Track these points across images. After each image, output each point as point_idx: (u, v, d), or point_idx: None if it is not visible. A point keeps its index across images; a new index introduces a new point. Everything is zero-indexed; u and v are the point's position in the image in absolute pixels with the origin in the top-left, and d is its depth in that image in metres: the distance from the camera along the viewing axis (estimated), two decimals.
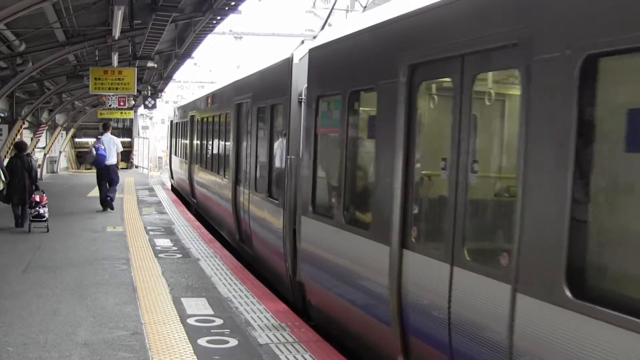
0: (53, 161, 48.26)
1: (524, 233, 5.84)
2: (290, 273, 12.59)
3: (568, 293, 5.27)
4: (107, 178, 24.57)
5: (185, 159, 29.85)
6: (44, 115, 39.88)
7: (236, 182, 17.83)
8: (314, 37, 12.88)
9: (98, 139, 25.17)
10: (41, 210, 19.48)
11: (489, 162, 7.15)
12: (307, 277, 11.37)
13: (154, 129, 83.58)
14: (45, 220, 19.45)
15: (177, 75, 49.88)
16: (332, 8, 15.68)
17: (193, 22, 23.20)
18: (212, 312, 11.06)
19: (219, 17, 22.07)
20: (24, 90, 32.56)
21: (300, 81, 12.67)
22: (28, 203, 19.83)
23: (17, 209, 20.11)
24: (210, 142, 23.30)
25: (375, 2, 12.83)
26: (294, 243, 12.22)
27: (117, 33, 19.31)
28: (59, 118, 46.63)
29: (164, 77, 40.14)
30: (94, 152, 24.53)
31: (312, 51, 11.66)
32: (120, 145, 25.56)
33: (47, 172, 44.73)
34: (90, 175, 44.50)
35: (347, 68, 10.10)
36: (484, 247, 6.93)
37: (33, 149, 35.52)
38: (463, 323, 6.75)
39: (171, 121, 40.72)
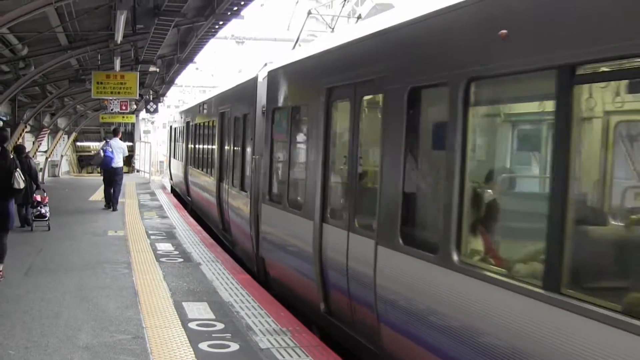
0: (55, 165, 48.30)
1: (381, 208, 8.84)
2: (254, 251, 15.27)
3: (401, 242, 8.28)
4: (113, 179, 26.10)
5: (182, 161, 32.69)
6: (46, 119, 39.91)
7: (219, 179, 20.57)
8: (271, 62, 15.22)
9: (107, 142, 26.70)
10: (43, 210, 20.49)
11: (368, 159, 9.97)
12: (266, 253, 14.07)
13: (155, 133, 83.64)
14: (47, 220, 20.51)
15: (179, 80, 49.99)
16: (300, 32, 17.93)
17: (195, 27, 23.26)
18: (213, 317, 11.08)
19: (221, 22, 22.12)
20: (26, 94, 32.60)
21: (263, 96, 15.21)
22: (30, 203, 20.45)
23: (22, 209, 20.73)
24: (201, 146, 26.15)
25: (376, 8, 13.19)
26: (257, 226, 14.77)
27: (119, 37, 19.34)
28: (61, 122, 46.67)
29: (166, 81, 40.26)
30: (102, 154, 26.22)
31: (269, 73, 14.42)
32: (126, 150, 27.54)
33: (48, 176, 44.79)
34: (92, 179, 44.65)
35: (291, 88, 13.17)
36: (365, 218, 9.48)
37: (35, 153, 35.56)
38: (354, 272, 9.62)
39: (170, 126, 43.57)
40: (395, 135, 8.49)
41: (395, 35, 8.88)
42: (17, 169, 13.75)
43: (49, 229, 20.38)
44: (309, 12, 18.87)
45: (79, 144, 63.34)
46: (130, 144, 58.45)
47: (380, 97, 9.15)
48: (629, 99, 5.76)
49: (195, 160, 27.92)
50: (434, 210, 7.91)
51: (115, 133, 27.69)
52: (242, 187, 17.11)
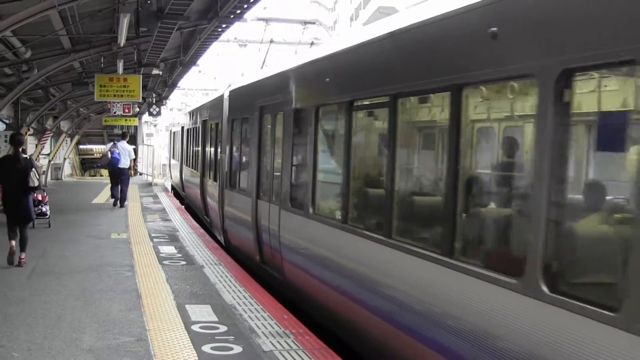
0: (57, 168, 48.34)
1: (282, 186, 13.53)
2: (222, 226, 19.82)
3: (289, 205, 12.90)
4: (119, 178, 28.43)
5: (178, 161, 37.33)
6: (49, 122, 40.00)
7: (202, 174, 25.24)
8: (234, 83, 21.02)
9: (114, 144, 29.14)
10: (43, 209, 21.86)
11: (278, 154, 14.13)
12: (227, 227, 18.98)
13: (158, 136, 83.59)
14: (47, 218, 21.90)
15: (182, 83, 50.02)
16: (265, 57, 23.95)
17: (198, 30, 23.33)
18: (216, 319, 11.10)
19: (224, 25, 22.18)
20: (29, 97, 32.65)
21: (227, 109, 20.11)
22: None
23: None
24: (191, 148, 30.49)
25: (380, 11, 13.58)
26: (223, 207, 19.67)
27: (122, 40, 19.39)
28: (64, 125, 46.74)
29: (169, 84, 40.34)
30: (109, 155, 28.68)
31: (230, 92, 20.07)
32: (133, 153, 30.30)
33: (51, 179, 44.83)
34: (95, 182, 44.69)
35: (241, 104, 18.13)
36: (275, 194, 14.13)
37: (38, 156, 35.60)
38: (273, 230, 13.89)
39: (170, 130, 48.21)
40: (287, 138, 13.37)
41: (289, 75, 13.86)
42: (33, 169, 15.39)
43: (50, 226, 21.64)
44: (271, 40, 25.68)
45: (81, 146, 63.37)
46: (133, 146, 58.57)
47: (281, 114, 13.94)
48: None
49: (187, 160, 32.29)
50: (302, 185, 12.65)
51: (123, 136, 29.99)
52: (215, 179, 21.66)
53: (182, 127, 35.43)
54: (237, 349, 9.58)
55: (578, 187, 6.29)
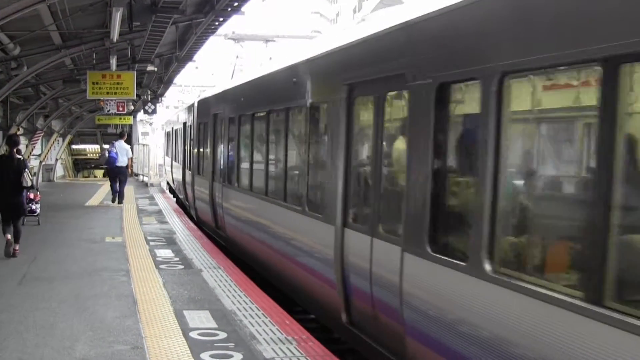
0: (49, 169, 48.30)
1: (223, 169, 20.85)
2: (193, 205, 27.25)
3: (236, 185, 18.94)
4: (117, 176, 30.98)
5: (169, 157, 42.51)
6: (40, 121, 39.95)
7: (184, 166, 31.08)
8: (203, 92, 29.38)
9: (112, 144, 31.76)
10: (33, 207, 22.87)
11: (221, 148, 21.15)
12: (197, 205, 25.82)
13: (154, 135, 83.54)
14: (36, 216, 23.00)
15: (177, 79, 50.01)
16: (233, 71, 30.21)
17: (194, 24, 23.26)
18: (215, 326, 11.07)
19: (221, 19, 22.12)
20: (18, 95, 32.64)
21: (197, 115, 27.06)
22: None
23: None
24: (178, 146, 35.54)
25: (383, 2, 13.33)
26: (193, 190, 26.75)
27: (115, 35, 19.35)
28: (55, 124, 46.72)
29: (164, 81, 40.29)
30: (107, 154, 31.32)
31: (198, 102, 27.41)
32: (130, 152, 33.88)
33: (42, 181, 44.81)
34: (88, 184, 44.68)
35: (203, 112, 24.90)
36: (222, 176, 20.68)
37: (29, 156, 35.59)
38: (224, 204, 19.92)
39: (164, 130, 52.03)
40: (227, 136, 19.79)
41: (223, 94, 21.61)
42: (26, 169, 17.12)
43: (39, 224, 22.75)
44: (237, 56, 34.72)
45: (74, 146, 63.40)
46: (128, 146, 58.53)
47: (222, 120, 21.41)
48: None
49: (175, 156, 37.30)
50: (233, 168, 19.52)
51: (121, 135, 32.99)
52: (190, 169, 28.41)
53: (172, 128, 40.73)
54: (238, 356, 9.55)
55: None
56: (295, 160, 14.05)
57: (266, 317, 11.60)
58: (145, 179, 47.62)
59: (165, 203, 31.92)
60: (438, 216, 8.25)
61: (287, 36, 44.05)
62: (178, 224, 23.91)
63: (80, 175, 63.78)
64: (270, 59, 28.34)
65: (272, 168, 15.70)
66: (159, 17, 18.65)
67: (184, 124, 31.64)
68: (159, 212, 27.99)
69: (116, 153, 30.89)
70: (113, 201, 30.72)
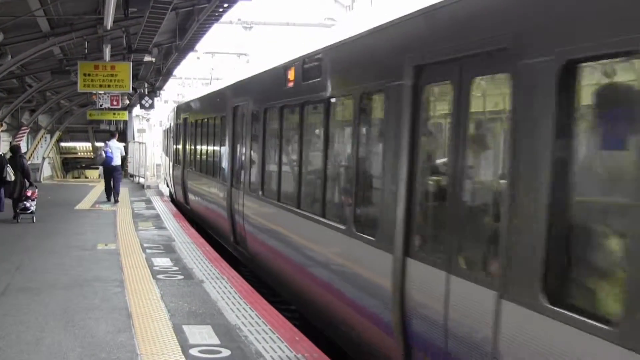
0: (35, 169, 48.28)
1: (189, 158, 30.69)
2: (176, 197, 34.14)
3: (198, 170, 28.21)
4: (113, 175, 33.61)
5: (164, 154, 47.74)
6: (25, 117, 40.13)
7: (174, 161, 35.94)
8: (182, 97, 44.92)
9: (106, 144, 34.75)
10: (27, 204, 25.17)
11: (189, 146, 30.84)
12: (189, 196, 29.70)
13: (151, 132, 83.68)
14: (31, 213, 25.22)
15: (178, 71, 50.05)
16: (211, 79, 36.62)
17: (196, 10, 23.31)
18: (218, 342, 11.06)
19: (226, 5, 22.14)
20: (2, 87, 32.79)
21: (178, 116, 34.50)
22: (19, 198, 25.32)
23: (17, 205, 25.55)
24: (169, 143, 41.13)
25: None
26: (182, 182, 31.42)
27: (109, 22, 19.38)
28: (42, 119, 46.90)
29: (163, 73, 40.33)
30: (104, 155, 33.91)
31: (177, 106, 36.48)
32: (123, 151, 36.54)
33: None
34: (79, 185, 44.71)
35: (178, 116, 34.65)
36: (182, 161, 31.98)
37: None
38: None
39: (162, 128, 56.79)
40: (193, 137, 28.84)
41: (189, 103, 31.82)
42: (8, 165, 20.90)
43: (34, 221, 24.87)
44: (212, 69, 43.73)
45: (63, 144, 63.48)
46: (122, 144, 58.50)
47: (190, 123, 30.70)
48: None
49: (168, 153, 42.37)
50: (194, 154, 29.23)
51: (112, 135, 35.76)
52: (178, 163, 33.97)
53: (167, 127, 45.62)
54: None
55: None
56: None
57: (274, 333, 11.59)
58: (142, 180, 47.59)
59: (164, 207, 31.95)
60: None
61: (299, 24, 44.06)
62: (177, 230, 23.91)
63: (70, 176, 63.82)
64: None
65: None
66: (157, 2, 18.68)
67: (170, 124, 37.93)
68: (157, 216, 28.01)
69: (111, 152, 33.49)
70: (108, 200, 33.33)
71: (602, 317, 5.66)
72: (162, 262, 17.91)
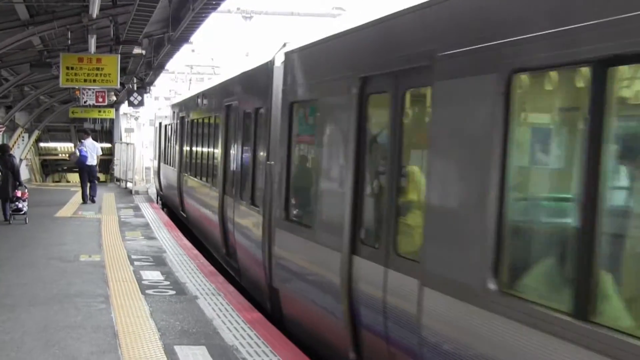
0: None
1: (174, 156, 34.65)
2: (159, 193, 42.44)
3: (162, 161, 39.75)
4: (89, 176, 36.40)
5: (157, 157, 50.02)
6: (0, 114, 40.16)
7: (157, 160, 41.96)
8: (167, 103, 47.59)
9: (81, 143, 38.13)
10: (20, 205, 27.10)
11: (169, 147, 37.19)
12: (161, 188, 40.64)
13: (140, 132, 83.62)
14: (23, 214, 27.27)
15: (170, 65, 50.08)
16: (189, 85, 42.05)
17: None
18: None
19: None
20: None
21: (161, 120, 43.07)
22: (10, 199, 27.11)
23: (5, 205, 27.43)
24: (159, 144, 44.41)
25: None
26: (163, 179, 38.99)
27: (95, 11, 19.40)
28: (20, 117, 46.98)
29: (154, 66, 40.38)
30: (78, 153, 37.06)
31: (156, 114, 50.03)
32: (100, 150, 39.01)
33: None
34: (60, 190, 44.75)
35: (160, 118, 43.76)
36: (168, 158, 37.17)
37: None
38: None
39: (154, 127, 56.27)
40: (174, 139, 34.17)
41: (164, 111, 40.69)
42: None
43: (26, 222, 27.00)
44: (192, 67, 51.76)
45: (42, 145, 63.49)
46: (109, 145, 58.48)
47: (167, 126, 39.34)
48: None
49: (157, 154, 45.75)
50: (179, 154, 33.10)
51: (86, 133, 39.78)
52: (166, 162, 37.64)
53: (158, 124, 47.96)
54: None
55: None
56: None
57: (275, 355, 11.59)
58: (129, 185, 47.62)
59: (154, 214, 31.97)
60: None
61: (303, 14, 44.12)
62: (169, 241, 23.93)
63: (50, 180, 63.79)
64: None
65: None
66: None
67: (159, 124, 42.36)
68: (146, 225, 28.03)
69: (86, 152, 36.74)
70: (84, 202, 35.85)
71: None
72: (152, 275, 17.93)
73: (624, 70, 6.21)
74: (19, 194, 27.23)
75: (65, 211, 32.61)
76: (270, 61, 16.29)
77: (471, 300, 7.63)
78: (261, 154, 16.47)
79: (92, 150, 37.16)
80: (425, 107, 9.37)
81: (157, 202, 41.02)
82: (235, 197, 18.84)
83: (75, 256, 20.44)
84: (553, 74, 7.15)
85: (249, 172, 17.46)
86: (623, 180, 6.49)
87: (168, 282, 17.16)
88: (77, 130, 59.92)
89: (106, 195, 40.03)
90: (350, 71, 10.94)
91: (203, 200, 24.66)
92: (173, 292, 16.08)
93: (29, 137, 54.17)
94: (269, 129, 15.61)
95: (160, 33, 29.68)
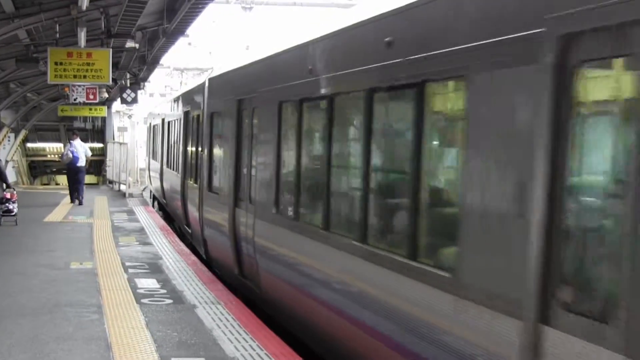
0: None
1: (162, 155, 40.21)
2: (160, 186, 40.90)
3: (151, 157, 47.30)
4: (78, 176, 38.40)
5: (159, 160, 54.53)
6: None
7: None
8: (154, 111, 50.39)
9: (70, 144, 39.58)
10: (10, 206, 28.28)
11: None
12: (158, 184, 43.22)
13: (134, 131, 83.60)
14: (14, 215, 28.35)
15: (165, 59, 50.09)
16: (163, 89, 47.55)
17: None
18: None
19: None
20: None
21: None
22: (0, 200, 28.33)
23: None
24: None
25: None
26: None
27: (84, 2, 19.40)
28: (6, 116, 47.03)
29: (148, 61, 40.33)
30: (70, 155, 38.49)
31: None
32: (89, 151, 41.13)
33: None
34: (48, 193, 44.79)
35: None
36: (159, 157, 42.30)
37: None
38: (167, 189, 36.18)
39: (150, 124, 57.87)
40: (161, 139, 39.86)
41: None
42: None
43: (17, 224, 28.08)
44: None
45: (30, 145, 63.43)
46: (101, 145, 58.50)
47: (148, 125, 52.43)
48: None
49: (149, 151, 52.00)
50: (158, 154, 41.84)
51: (75, 134, 41.64)
52: (155, 158, 43.12)
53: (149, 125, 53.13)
54: None
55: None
56: None
57: None
58: (123, 187, 47.65)
59: (149, 218, 31.99)
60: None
61: (307, 4, 44.14)
62: (165, 246, 23.94)
63: (38, 182, 63.76)
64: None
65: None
66: None
67: (153, 125, 46.40)
68: (141, 230, 28.05)
69: (77, 152, 38.64)
70: (72, 202, 38.12)
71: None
72: (148, 283, 17.94)
73: None
74: (8, 195, 28.47)
75: (55, 215, 32.63)
76: (204, 82, 24.31)
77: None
78: (205, 150, 23.00)
79: (82, 151, 38.97)
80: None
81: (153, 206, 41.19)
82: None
83: (65, 263, 20.45)
84: None
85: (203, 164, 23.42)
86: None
87: (165, 291, 17.17)
88: (67, 130, 59.85)
89: (98, 199, 40.06)
90: (233, 95, 18.89)
91: None
92: (170, 301, 16.09)
93: (16, 137, 54.20)
94: (202, 129, 23.48)
95: (154, 25, 29.69)
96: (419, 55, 9.25)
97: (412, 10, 9.63)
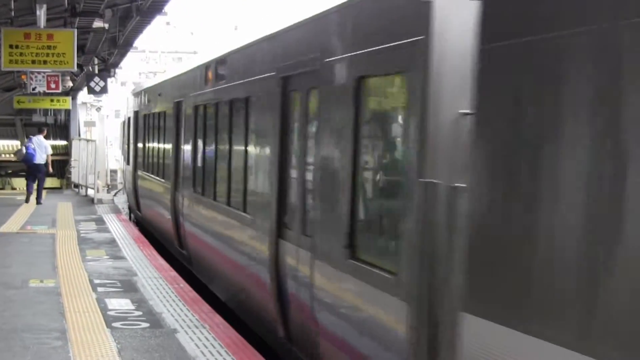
0: None
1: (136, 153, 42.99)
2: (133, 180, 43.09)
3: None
4: (35, 175, 40.80)
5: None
6: None
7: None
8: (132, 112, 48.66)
9: (30, 139, 42.24)
10: None
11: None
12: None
13: (103, 126, 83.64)
14: None
15: (139, 42, 50.11)
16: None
17: None
18: None
19: None
20: None
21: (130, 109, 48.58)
22: None
23: None
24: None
25: None
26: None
27: None
28: None
29: (120, 44, 40.34)
30: (24, 150, 41.12)
31: (131, 117, 44.30)
32: (49, 149, 42.98)
33: None
34: (3, 199, 44.83)
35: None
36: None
37: None
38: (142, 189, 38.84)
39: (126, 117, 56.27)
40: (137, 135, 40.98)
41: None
42: None
43: None
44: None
45: None
46: (64, 142, 58.43)
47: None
48: None
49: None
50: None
51: (40, 131, 43.90)
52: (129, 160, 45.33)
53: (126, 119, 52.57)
54: None
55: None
56: None
57: None
58: (90, 192, 47.62)
59: (121, 228, 32.01)
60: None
61: None
62: (140, 260, 23.92)
63: None
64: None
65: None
66: None
67: (133, 117, 44.17)
68: (112, 242, 28.05)
69: (34, 149, 40.75)
70: (27, 201, 40.49)
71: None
72: (120, 304, 17.92)
73: None
74: None
75: (11, 225, 32.58)
76: (130, 93, 35.44)
77: None
78: (139, 144, 32.02)
79: (41, 148, 41.14)
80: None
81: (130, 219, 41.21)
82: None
83: (23, 281, 20.41)
84: None
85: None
86: None
87: (140, 313, 17.14)
88: (24, 125, 59.72)
89: (62, 205, 40.12)
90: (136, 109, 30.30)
91: None
92: (146, 325, 16.06)
93: None
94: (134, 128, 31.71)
95: (126, 2, 29.68)
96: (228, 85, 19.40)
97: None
